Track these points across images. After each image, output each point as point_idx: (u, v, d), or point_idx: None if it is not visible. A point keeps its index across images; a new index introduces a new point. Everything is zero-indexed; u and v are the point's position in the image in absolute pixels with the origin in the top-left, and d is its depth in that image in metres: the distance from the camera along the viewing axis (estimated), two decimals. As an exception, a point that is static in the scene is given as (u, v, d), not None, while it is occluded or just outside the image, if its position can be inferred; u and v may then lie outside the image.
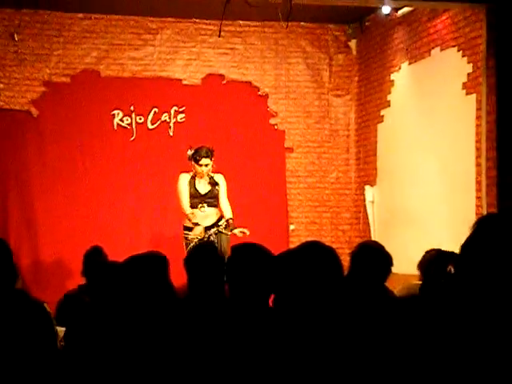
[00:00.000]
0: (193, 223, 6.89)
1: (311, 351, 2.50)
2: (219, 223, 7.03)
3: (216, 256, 3.69)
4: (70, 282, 7.22)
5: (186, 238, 6.97)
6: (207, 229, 6.98)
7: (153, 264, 3.13)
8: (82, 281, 5.70)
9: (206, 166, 7.00)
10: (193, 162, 7.04)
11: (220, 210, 7.08)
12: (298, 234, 9.19)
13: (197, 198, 7.02)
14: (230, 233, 6.96)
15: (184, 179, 7.08)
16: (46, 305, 3.27)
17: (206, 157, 6.99)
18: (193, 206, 7.00)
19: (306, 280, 2.63)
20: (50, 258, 8.34)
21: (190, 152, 7.08)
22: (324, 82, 9.40)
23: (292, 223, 9.26)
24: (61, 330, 3.80)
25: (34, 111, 8.60)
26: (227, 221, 6.99)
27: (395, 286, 4.57)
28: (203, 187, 7.06)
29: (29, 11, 8.53)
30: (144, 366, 2.86)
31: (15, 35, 8.52)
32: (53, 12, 8.59)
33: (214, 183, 7.07)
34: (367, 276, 3.83)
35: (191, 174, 7.09)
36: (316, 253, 2.72)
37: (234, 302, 3.09)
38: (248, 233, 6.92)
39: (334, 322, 2.59)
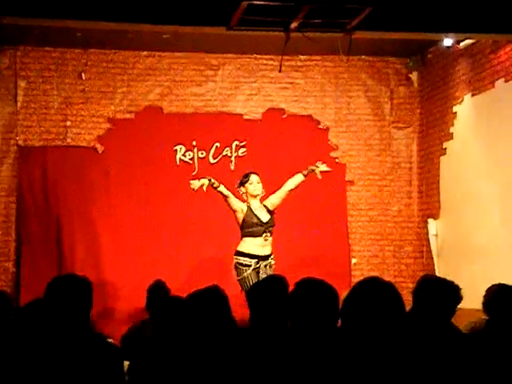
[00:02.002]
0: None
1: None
2: (271, 256, 7.02)
3: (281, 291, 3.68)
4: (136, 315, 7.29)
5: (239, 263, 6.94)
6: (262, 259, 6.96)
7: (215, 300, 3.14)
8: (146, 315, 5.75)
9: (258, 182, 7.03)
10: (244, 187, 7.04)
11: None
12: (361, 267, 9.11)
13: (260, 226, 6.97)
14: (308, 172, 7.09)
15: (242, 206, 7.03)
16: (111, 340, 3.33)
17: (253, 173, 7.05)
18: (257, 234, 6.97)
19: (367, 317, 2.60)
20: (115, 292, 8.44)
21: (237, 185, 7.13)
22: (385, 114, 9.37)
23: (354, 257, 9.19)
24: (125, 364, 3.84)
25: (100, 147, 8.80)
26: (304, 174, 7.11)
27: (462, 322, 4.47)
28: (263, 215, 7.04)
29: (95, 51, 8.78)
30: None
31: (82, 74, 8.77)
32: (118, 51, 8.83)
33: (270, 211, 7.08)
34: (432, 312, 3.74)
35: (246, 204, 7.05)
36: (375, 289, 2.68)
37: (296, 337, 3.08)
38: (329, 169, 7.16)
39: (397, 361, 2.55)
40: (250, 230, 6.97)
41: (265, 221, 7.02)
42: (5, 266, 8.55)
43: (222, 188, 6.95)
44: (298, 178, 7.16)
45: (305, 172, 7.15)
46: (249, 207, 7.03)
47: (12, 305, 4.41)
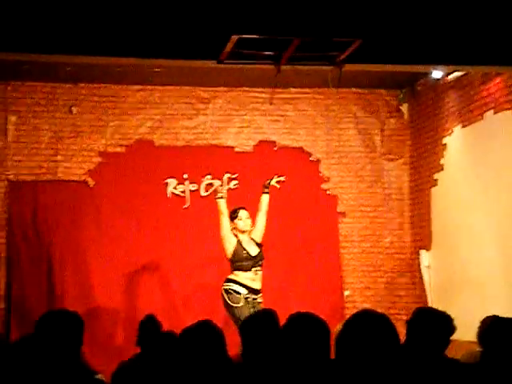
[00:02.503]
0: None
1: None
2: (260, 294, 6.99)
3: (272, 325, 3.65)
4: (125, 350, 7.21)
5: (232, 289, 6.87)
6: (252, 292, 6.93)
7: (210, 336, 3.11)
8: (137, 350, 5.68)
9: (247, 218, 7.01)
10: (233, 223, 7.02)
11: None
12: (354, 299, 9.07)
13: (250, 260, 6.95)
14: (268, 188, 7.07)
15: (233, 239, 7.02)
16: (101, 376, 3.28)
17: (241, 208, 7.05)
18: (246, 269, 6.93)
19: (361, 350, 2.57)
20: (106, 327, 8.37)
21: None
22: (376, 146, 9.40)
23: (347, 289, 9.15)
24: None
25: (91, 181, 8.78)
26: (264, 186, 7.12)
27: (455, 353, 4.44)
28: (252, 249, 7.01)
29: (85, 85, 8.80)
30: None
31: (73, 108, 8.78)
32: (108, 85, 8.85)
33: (259, 244, 7.07)
34: (426, 343, 3.71)
35: (236, 240, 7.03)
36: (369, 322, 2.65)
37: (288, 371, 3.06)
38: (283, 178, 7.08)
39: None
40: (240, 263, 6.95)
41: (253, 255, 6.99)
42: (-6, 303, 8.47)
43: (222, 202, 6.93)
44: (265, 199, 7.17)
45: (266, 190, 7.17)
46: (238, 241, 7.02)
47: (3, 342, 4.35)
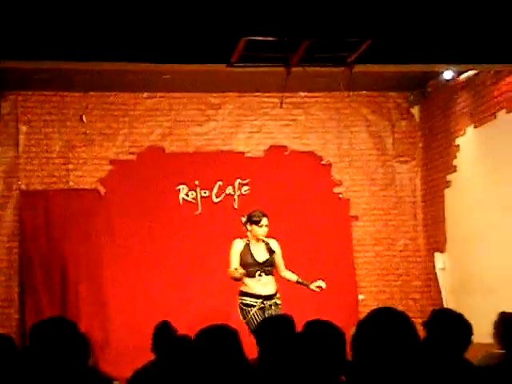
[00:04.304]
0: (237, 275, 6.66)
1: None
2: (276, 295, 6.89)
3: (288, 330, 3.61)
4: (140, 357, 7.18)
5: (243, 304, 6.79)
6: (266, 298, 6.83)
7: (225, 338, 3.07)
8: (152, 356, 5.65)
9: (266, 226, 6.88)
10: (251, 226, 6.84)
11: (276, 280, 6.94)
12: (368, 303, 8.99)
13: (256, 266, 6.78)
14: (309, 287, 6.89)
15: (238, 245, 6.87)
16: (117, 382, 3.24)
17: (264, 216, 6.88)
18: (250, 275, 6.76)
19: (381, 349, 2.52)
20: (120, 333, 8.34)
21: (244, 218, 6.98)
22: (388, 149, 9.35)
23: (361, 293, 9.09)
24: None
25: (102, 189, 8.77)
26: (298, 281, 6.93)
27: (469, 356, 4.38)
28: (261, 255, 6.84)
29: (95, 93, 8.80)
30: None
31: (83, 117, 8.78)
32: (118, 93, 8.84)
33: (271, 250, 6.87)
34: (445, 346, 3.65)
35: (245, 240, 6.90)
36: (389, 319, 2.61)
37: (304, 377, 3.04)
38: (324, 285, 6.86)
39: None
40: (248, 269, 6.77)
41: (261, 261, 6.82)
42: (8, 313, 8.46)
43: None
44: (292, 278, 7.01)
45: (300, 280, 6.98)
46: (247, 244, 6.88)
47: (17, 351, 4.33)
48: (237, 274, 6.66)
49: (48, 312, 8.20)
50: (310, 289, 6.91)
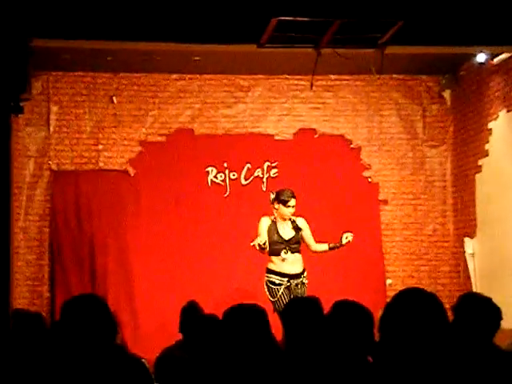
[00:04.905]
0: (262, 245, 6.66)
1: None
2: (303, 274, 6.91)
3: (316, 313, 3.60)
4: (167, 338, 7.23)
5: (270, 282, 6.84)
6: (292, 277, 6.85)
7: (254, 317, 3.07)
8: (180, 336, 5.68)
9: (293, 207, 6.90)
10: (278, 205, 6.90)
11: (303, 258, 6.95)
12: (396, 288, 8.92)
13: (282, 244, 6.85)
14: (342, 244, 6.93)
15: (265, 222, 6.93)
16: (144, 361, 3.26)
17: (293, 197, 6.90)
18: (275, 253, 6.83)
19: (409, 330, 2.50)
20: (147, 313, 8.41)
21: (272, 195, 7.01)
22: (418, 133, 9.27)
23: (389, 278, 9.05)
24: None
25: (131, 170, 8.82)
26: (330, 247, 6.99)
27: (501, 342, 4.33)
28: (287, 232, 6.90)
29: (126, 74, 8.82)
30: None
31: (114, 98, 8.81)
32: (149, 74, 8.86)
33: (297, 228, 6.92)
34: (473, 330, 3.62)
35: (272, 218, 6.96)
36: (418, 300, 2.58)
37: (332, 359, 3.03)
38: (351, 237, 6.91)
39: (440, 376, 2.45)
40: (271, 247, 6.83)
41: (287, 238, 6.88)
42: (39, 291, 8.58)
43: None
44: (324, 247, 7.06)
45: (331, 245, 7.04)
46: (273, 222, 6.92)
47: (47, 328, 4.38)
48: (260, 242, 6.63)
49: (77, 290, 8.27)
50: (343, 245, 6.97)
